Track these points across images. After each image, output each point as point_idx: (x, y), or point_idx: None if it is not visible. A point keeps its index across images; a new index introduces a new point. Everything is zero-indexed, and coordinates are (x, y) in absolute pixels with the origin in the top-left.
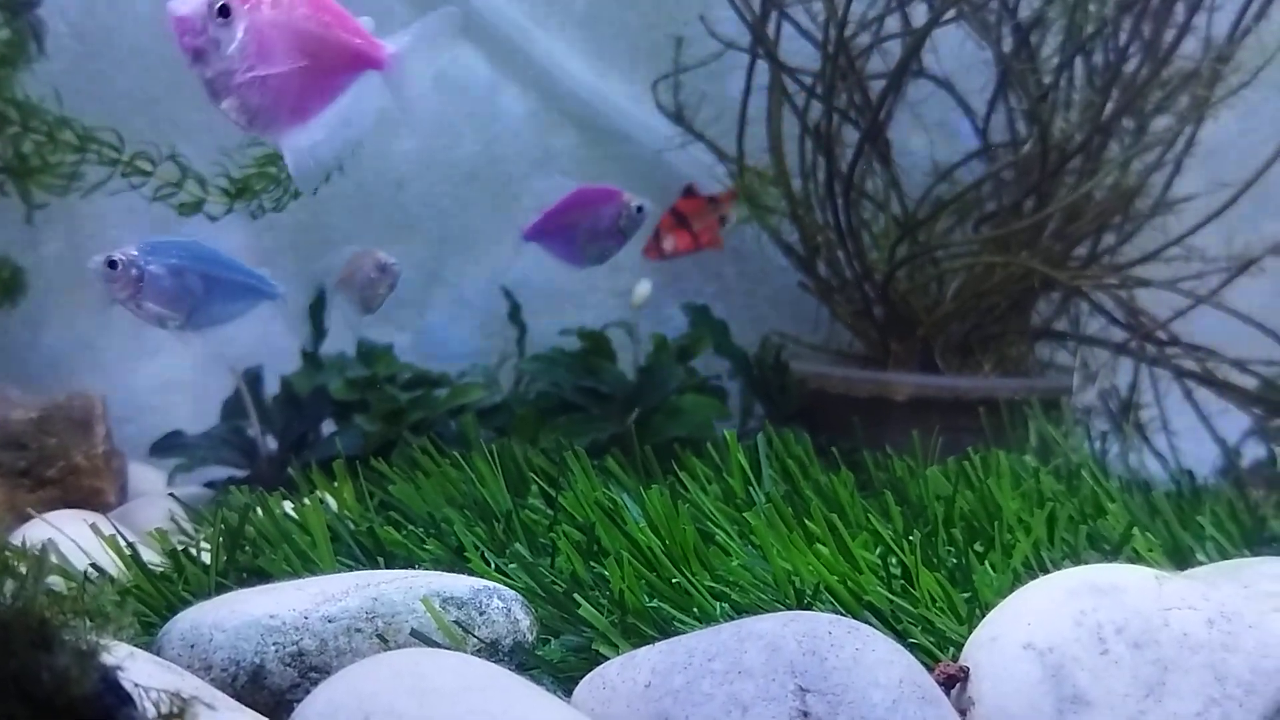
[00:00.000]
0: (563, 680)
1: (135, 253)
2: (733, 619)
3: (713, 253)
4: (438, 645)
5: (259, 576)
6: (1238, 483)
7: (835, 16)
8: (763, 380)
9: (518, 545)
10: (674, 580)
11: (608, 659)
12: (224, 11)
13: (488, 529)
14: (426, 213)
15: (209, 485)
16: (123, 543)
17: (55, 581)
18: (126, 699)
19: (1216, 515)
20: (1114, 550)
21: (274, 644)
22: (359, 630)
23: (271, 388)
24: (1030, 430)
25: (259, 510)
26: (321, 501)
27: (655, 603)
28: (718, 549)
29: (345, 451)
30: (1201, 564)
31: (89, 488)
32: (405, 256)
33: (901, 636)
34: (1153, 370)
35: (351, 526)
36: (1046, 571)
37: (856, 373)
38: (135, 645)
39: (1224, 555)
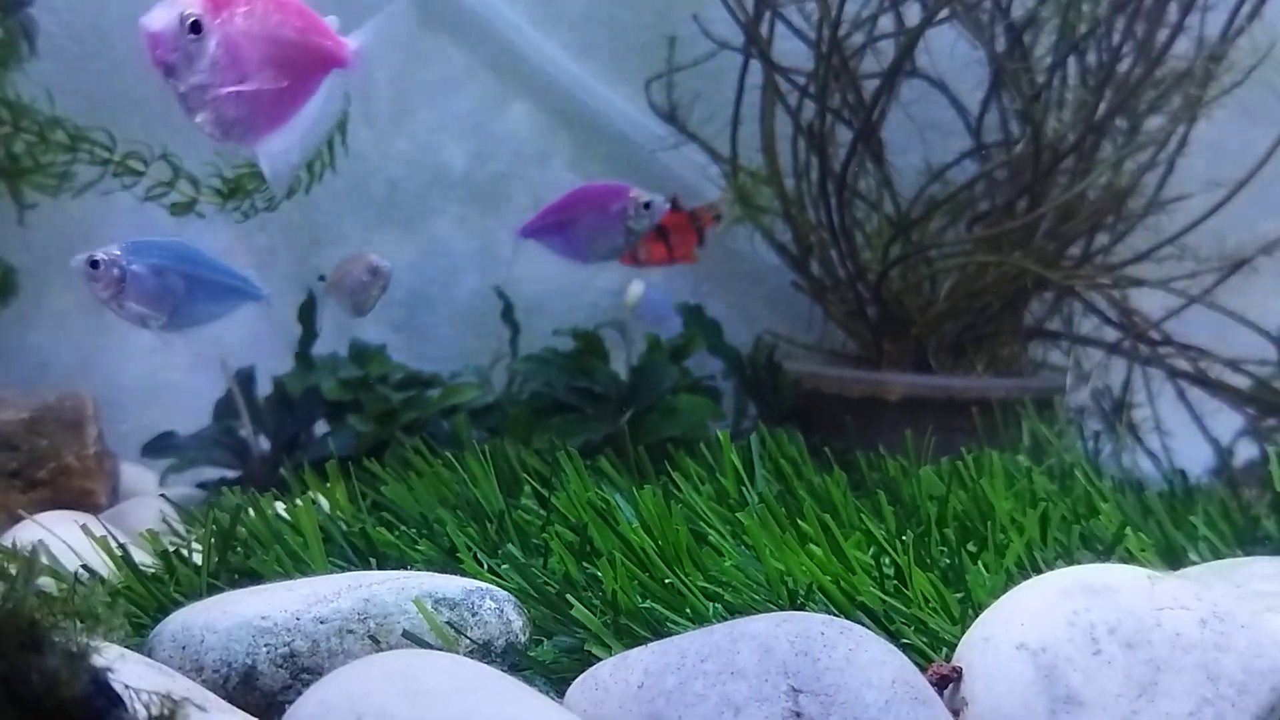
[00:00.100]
0: (555, 681)
1: (118, 252)
2: (726, 619)
3: (706, 253)
4: (430, 646)
5: (251, 577)
6: (1231, 483)
7: (828, 16)
8: (756, 380)
9: (510, 546)
10: (667, 581)
11: (600, 660)
12: (195, 28)
13: (480, 529)
14: (420, 212)
15: (201, 486)
16: (114, 544)
17: (46, 583)
18: (117, 701)
19: (1209, 515)
20: (1107, 550)
21: (266, 645)
22: (351, 631)
23: (264, 388)
24: (1023, 430)
25: (251, 511)
26: (314, 502)
27: (648, 603)
28: (711, 549)
29: (337, 452)
30: (1194, 564)
31: (80, 489)
32: (398, 256)
33: (894, 637)
34: (1146, 370)
35: (344, 527)
36: (1039, 571)
37: (850, 372)
38: (126, 647)
39: (1217, 555)
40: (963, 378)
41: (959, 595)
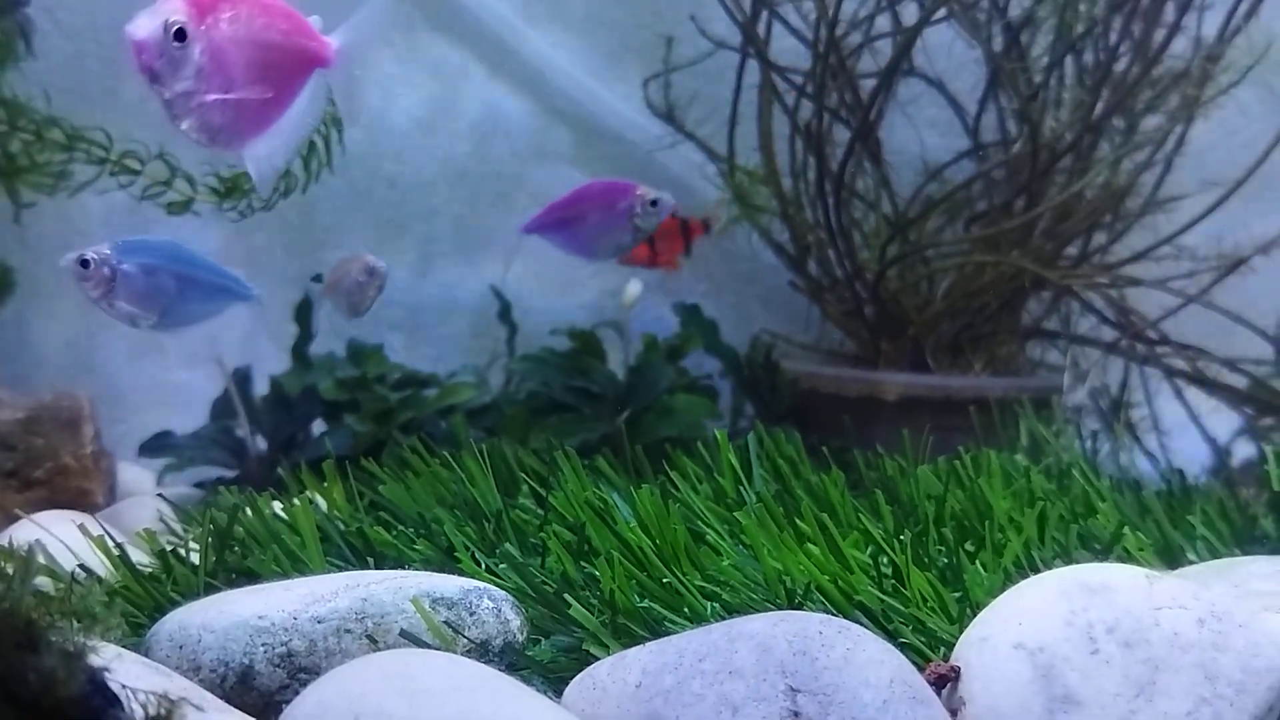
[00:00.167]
0: (553, 681)
1: (108, 251)
2: (723, 619)
3: (703, 251)
4: (427, 646)
5: (248, 577)
6: (1228, 482)
7: (826, 16)
8: (753, 380)
9: (508, 545)
10: (664, 580)
11: (598, 659)
12: (180, 35)
13: (478, 529)
14: (418, 211)
15: (198, 485)
16: (111, 543)
17: (43, 582)
18: (114, 700)
19: (1207, 514)
20: (1105, 549)
21: (263, 645)
22: (348, 631)
23: (261, 388)
24: (1021, 429)
25: (248, 510)
26: (311, 502)
27: (646, 603)
28: (708, 549)
29: (335, 451)
30: (1192, 563)
31: (77, 488)
32: (395, 255)
33: (892, 636)
34: (1143, 369)
35: (341, 527)
36: (1037, 571)
37: (847, 372)
38: (123, 646)
39: (1215, 554)
40: (960, 377)
41: (957, 594)
